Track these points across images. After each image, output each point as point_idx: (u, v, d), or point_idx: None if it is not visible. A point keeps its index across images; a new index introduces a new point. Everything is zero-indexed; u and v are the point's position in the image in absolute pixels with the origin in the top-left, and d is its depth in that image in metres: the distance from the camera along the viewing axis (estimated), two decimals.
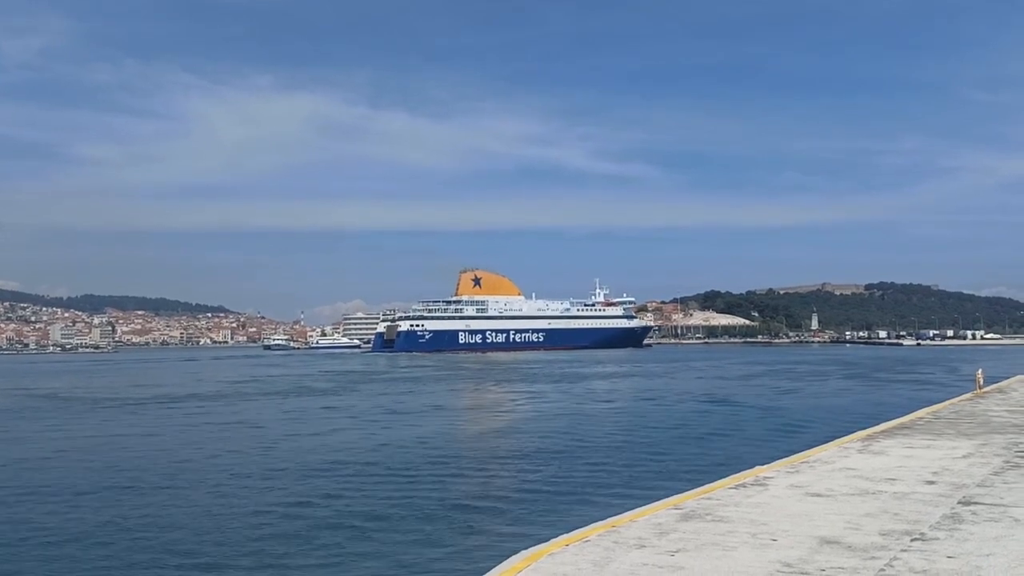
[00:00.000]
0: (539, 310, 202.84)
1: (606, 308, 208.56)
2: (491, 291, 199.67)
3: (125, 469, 26.44)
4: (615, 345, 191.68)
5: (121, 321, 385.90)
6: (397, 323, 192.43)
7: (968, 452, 15.19)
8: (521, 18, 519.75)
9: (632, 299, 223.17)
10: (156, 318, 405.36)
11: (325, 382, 77.04)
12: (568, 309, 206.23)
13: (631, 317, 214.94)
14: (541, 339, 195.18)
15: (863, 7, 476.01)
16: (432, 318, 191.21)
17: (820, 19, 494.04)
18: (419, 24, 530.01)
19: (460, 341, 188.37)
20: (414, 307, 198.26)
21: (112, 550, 16.53)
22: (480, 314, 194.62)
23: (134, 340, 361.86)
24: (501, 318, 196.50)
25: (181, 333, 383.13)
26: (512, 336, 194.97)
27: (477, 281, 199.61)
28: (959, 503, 10.47)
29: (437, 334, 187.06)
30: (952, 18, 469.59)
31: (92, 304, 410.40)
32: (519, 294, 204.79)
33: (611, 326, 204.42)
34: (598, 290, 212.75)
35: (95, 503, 21.17)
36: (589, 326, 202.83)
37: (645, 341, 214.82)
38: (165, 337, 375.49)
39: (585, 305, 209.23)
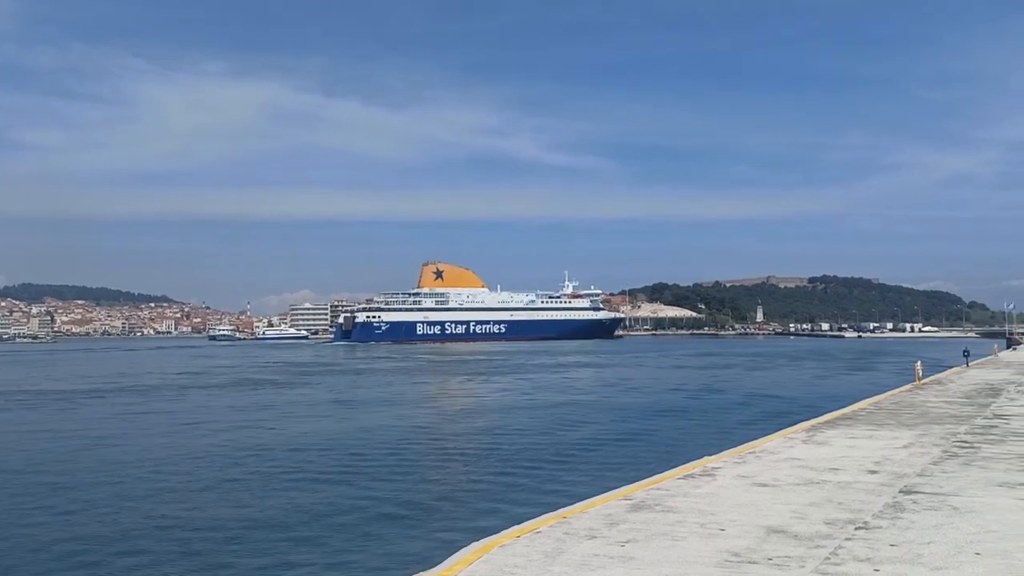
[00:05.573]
0: (502, 302, 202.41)
1: (572, 300, 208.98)
2: (453, 283, 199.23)
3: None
4: (581, 337, 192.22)
5: (60, 311, 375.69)
6: (355, 315, 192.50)
7: (908, 442, 15.55)
8: (477, 8, 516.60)
9: (599, 291, 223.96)
10: (97, 308, 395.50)
11: (258, 374, 76.16)
12: (533, 301, 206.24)
13: (598, 309, 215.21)
14: (503, 330, 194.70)
15: (816, 3, 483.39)
16: (390, 310, 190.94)
17: (774, 15, 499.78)
18: (374, 12, 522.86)
19: (418, 332, 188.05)
20: (375, 298, 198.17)
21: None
22: (439, 306, 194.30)
23: (74, 330, 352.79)
24: (461, 310, 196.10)
25: (123, 323, 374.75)
26: (472, 327, 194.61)
27: (439, 274, 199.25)
28: (900, 492, 10.69)
29: (394, 325, 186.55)
30: (901, 14, 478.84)
31: (30, 293, 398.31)
32: (483, 286, 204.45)
33: (576, 318, 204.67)
34: (567, 282, 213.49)
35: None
36: (553, 318, 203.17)
37: (617, 332, 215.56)
38: (106, 327, 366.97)
39: (550, 297, 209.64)
